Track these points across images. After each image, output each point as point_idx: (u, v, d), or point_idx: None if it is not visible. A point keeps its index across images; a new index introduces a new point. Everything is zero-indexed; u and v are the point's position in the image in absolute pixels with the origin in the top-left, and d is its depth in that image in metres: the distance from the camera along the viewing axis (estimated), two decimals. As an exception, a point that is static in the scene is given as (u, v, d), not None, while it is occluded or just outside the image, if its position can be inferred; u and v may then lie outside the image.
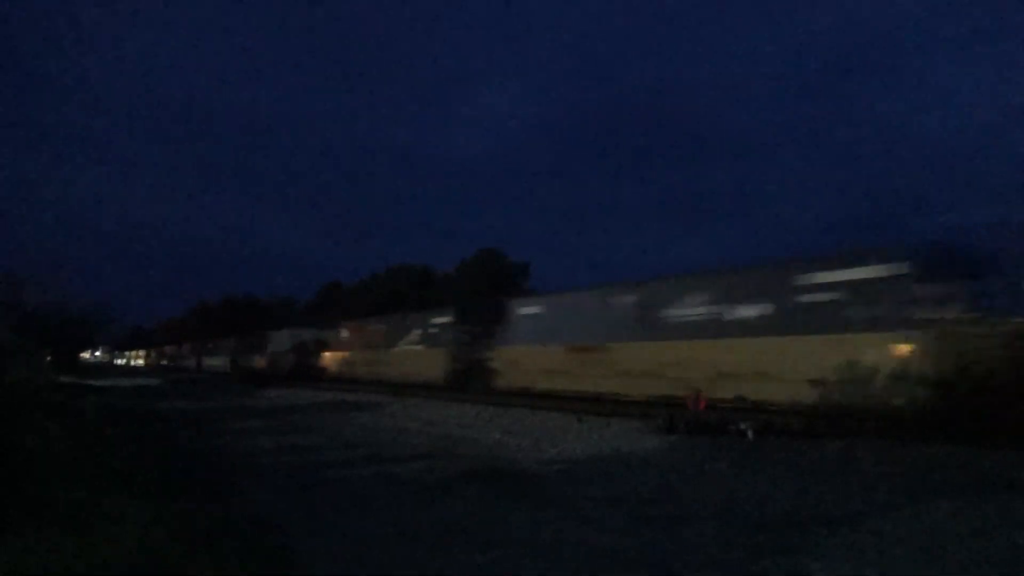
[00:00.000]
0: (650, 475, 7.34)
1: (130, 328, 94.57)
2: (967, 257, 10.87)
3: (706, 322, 13.71)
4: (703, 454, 8.29)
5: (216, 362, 50.85)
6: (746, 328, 12.93)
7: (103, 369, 56.55)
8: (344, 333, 32.23)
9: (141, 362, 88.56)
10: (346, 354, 30.95)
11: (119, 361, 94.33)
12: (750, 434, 9.50)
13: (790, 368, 11.67)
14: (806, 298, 12.07)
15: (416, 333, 25.19)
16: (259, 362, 40.06)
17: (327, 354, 33.19)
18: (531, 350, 18.64)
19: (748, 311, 13.06)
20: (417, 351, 24.76)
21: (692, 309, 14.17)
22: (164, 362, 73.90)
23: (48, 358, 26.24)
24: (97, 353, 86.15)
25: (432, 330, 24.16)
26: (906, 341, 10.35)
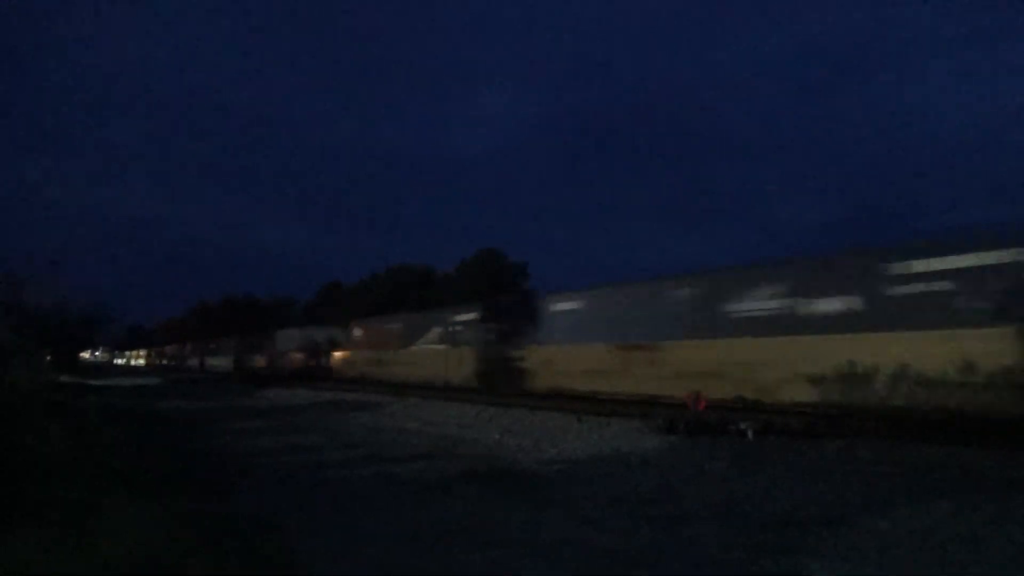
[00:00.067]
0: (650, 475, 7.34)
1: (130, 328, 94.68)
2: None
3: (780, 317, 12.45)
4: (703, 454, 8.29)
5: (220, 362, 49.90)
6: (830, 324, 11.64)
7: (103, 369, 56.57)
8: (357, 332, 30.97)
9: (142, 362, 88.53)
10: (359, 353, 29.75)
11: (119, 361, 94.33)
12: (750, 434, 9.49)
13: (885, 368, 10.50)
14: (903, 289, 10.79)
15: (437, 331, 23.86)
16: (264, 362, 39.31)
17: (338, 354, 32.16)
18: (569, 349, 17.29)
19: (832, 304, 11.76)
20: (438, 350, 23.43)
21: (763, 303, 12.86)
22: (164, 362, 73.80)
23: (48, 358, 26.22)
24: (97, 353, 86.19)
25: (455, 328, 22.82)
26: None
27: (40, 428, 7.71)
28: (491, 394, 17.94)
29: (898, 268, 11.03)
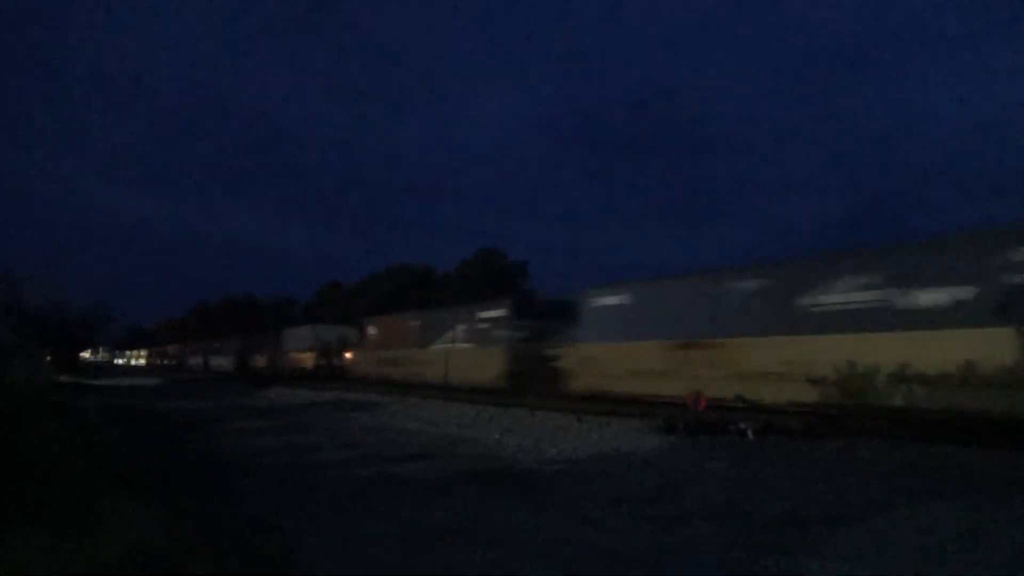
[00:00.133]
0: (650, 475, 7.34)
1: (130, 328, 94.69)
2: None
3: (880, 311, 10.93)
4: (703, 454, 8.29)
5: (224, 362, 48.88)
6: (943, 318, 10.16)
7: (103, 369, 56.57)
8: (371, 330, 29.25)
9: (142, 362, 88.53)
10: (374, 353, 28.08)
11: (119, 361, 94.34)
12: (750, 434, 9.49)
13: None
14: None
15: (461, 329, 22.42)
16: (271, 362, 38.37)
17: (352, 353, 30.70)
18: (615, 347, 15.73)
19: (942, 296, 10.28)
20: (462, 350, 22.11)
21: (854, 294, 11.34)
22: (164, 362, 73.70)
23: (48, 358, 26.23)
24: (97, 354, 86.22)
25: (481, 326, 21.31)
26: None
27: (40, 428, 7.71)
28: (521, 396, 16.76)
29: None
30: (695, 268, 15.32)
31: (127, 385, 30.47)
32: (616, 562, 4.38)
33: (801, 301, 12.15)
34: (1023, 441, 8.16)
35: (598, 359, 16.14)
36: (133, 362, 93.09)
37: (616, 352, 15.72)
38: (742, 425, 9.80)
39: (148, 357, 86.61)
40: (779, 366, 12.11)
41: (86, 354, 64.43)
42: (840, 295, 11.63)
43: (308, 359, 33.32)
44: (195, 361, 57.85)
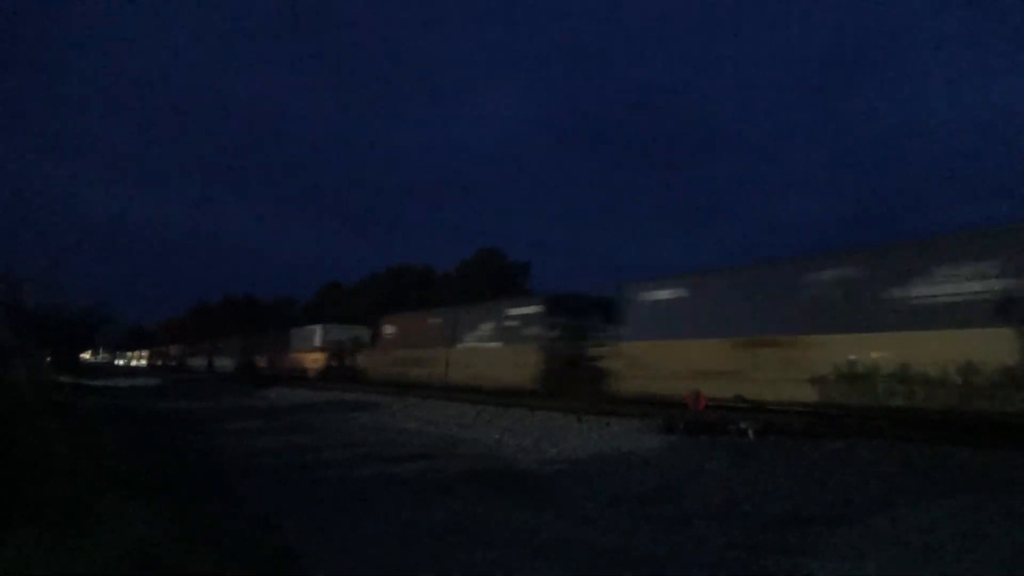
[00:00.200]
0: (650, 475, 7.33)
1: (130, 328, 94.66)
2: None
3: (1004, 302, 9.51)
4: (703, 454, 8.29)
5: (228, 362, 47.63)
6: None
7: (104, 370, 56.54)
8: (388, 329, 27.54)
9: (144, 362, 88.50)
10: (392, 353, 26.44)
11: (119, 362, 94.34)
12: (751, 433, 9.48)
13: None
14: None
15: (488, 327, 21.06)
16: (278, 362, 37.05)
17: (367, 353, 29.11)
18: (668, 345, 14.31)
19: None
20: (490, 349, 20.72)
21: (971, 284, 9.90)
22: (165, 362, 73.58)
23: (48, 359, 26.22)
24: (98, 354, 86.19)
25: (511, 323, 19.95)
26: None
27: (40, 428, 7.71)
28: (557, 399, 15.63)
29: None
30: (765, 257, 13.89)
31: (128, 386, 30.47)
32: (616, 562, 4.38)
33: (900, 292, 10.68)
34: (1023, 441, 8.15)
35: (647, 359, 14.71)
36: (134, 363, 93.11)
37: (669, 351, 14.27)
38: (742, 425, 9.79)
39: (149, 358, 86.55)
40: (872, 367, 10.67)
41: (86, 355, 64.35)
42: (953, 284, 10.13)
43: (318, 360, 32.09)
44: (198, 362, 57.16)
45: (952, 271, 10.23)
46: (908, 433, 9.13)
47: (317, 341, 32.86)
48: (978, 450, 7.75)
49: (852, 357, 11.03)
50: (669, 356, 14.20)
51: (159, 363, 76.41)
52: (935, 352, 10.01)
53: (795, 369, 11.76)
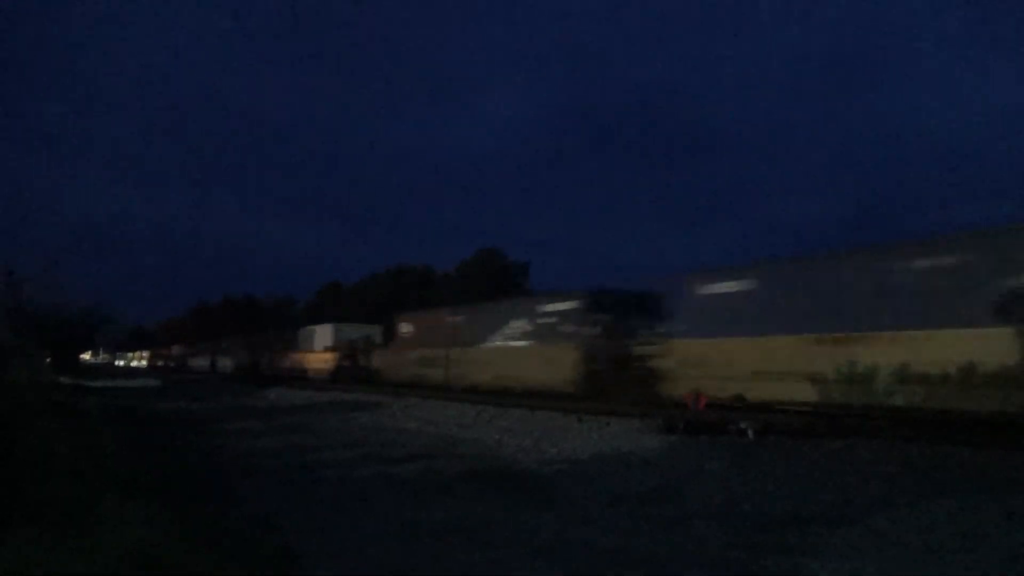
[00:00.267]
0: (650, 475, 7.34)
1: (130, 329, 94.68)
2: None
3: None
4: (703, 454, 8.29)
5: (232, 362, 46.59)
6: None
7: (104, 370, 56.53)
8: (405, 327, 26.18)
9: (143, 363, 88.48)
10: (409, 353, 25.10)
11: (119, 363, 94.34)
12: (750, 433, 9.49)
13: None
14: None
15: (517, 325, 19.78)
16: (286, 363, 36.02)
17: (380, 353, 27.97)
18: (733, 343, 13.03)
19: None
20: (521, 349, 19.44)
21: None
22: (166, 363, 73.41)
23: (48, 359, 26.22)
24: (98, 355, 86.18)
25: (545, 321, 18.66)
26: None
27: (40, 429, 7.71)
28: (599, 402, 14.57)
29: None
30: (854, 244, 12.27)
31: (128, 386, 30.48)
32: (616, 562, 4.38)
33: None
34: (1023, 441, 8.15)
35: (707, 358, 13.33)
36: (134, 363, 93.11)
37: (735, 349, 12.91)
38: (742, 425, 9.80)
39: (150, 358, 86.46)
40: (998, 366, 9.27)
41: (86, 355, 64.30)
42: None
43: (328, 360, 30.96)
44: (201, 362, 56.32)
45: None
46: (908, 433, 9.14)
47: (327, 341, 31.86)
48: (978, 450, 7.76)
49: (970, 355, 9.54)
50: (732, 355, 12.92)
51: (160, 364, 76.16)
52: None
53: (895, 368, 10.45)
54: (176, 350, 71.15)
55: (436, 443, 10.42)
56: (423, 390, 20.84)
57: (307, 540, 4.93)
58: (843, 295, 11.62)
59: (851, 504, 5.75)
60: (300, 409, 17.27)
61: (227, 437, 11.81)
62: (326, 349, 31.49)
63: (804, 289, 12.29)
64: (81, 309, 32.43)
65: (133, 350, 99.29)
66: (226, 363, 48.30)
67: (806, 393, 11.58)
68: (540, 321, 18.99)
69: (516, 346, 19.78)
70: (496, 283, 38.90)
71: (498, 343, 20.55)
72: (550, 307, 18.75)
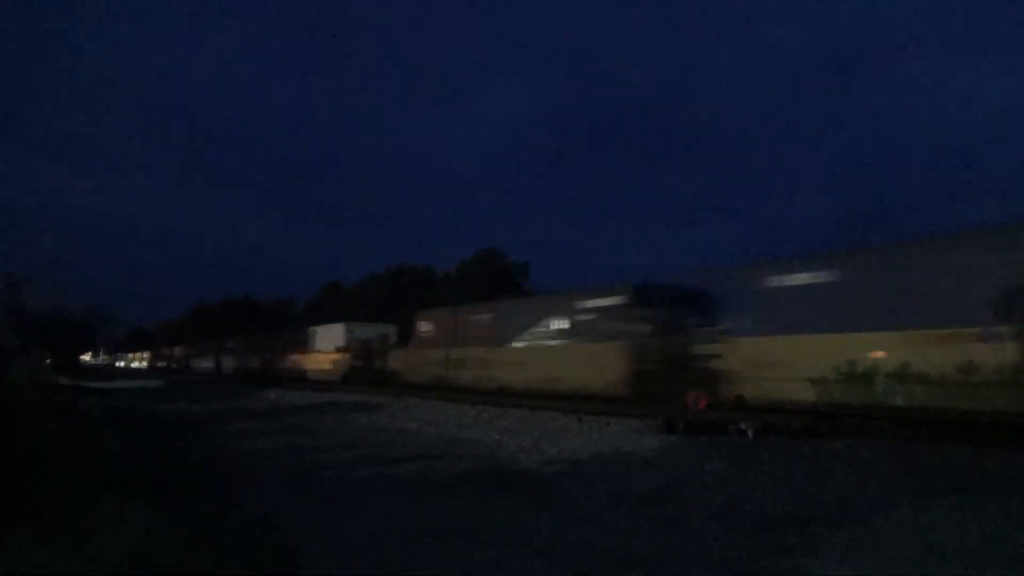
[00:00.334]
0: (650, 475, 7.33)
1: (130, 329, 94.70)
2: None
3: None
4: (703, 454, 8.29)
5: (237, 363, 45.28)
6: None
7: (104, 371, 56.50)
8: (425, 326, 24.65)
9: (144, 364, 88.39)
10: (430, 353, 23.69)
11: (119, 363, 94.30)
12: (750, 434, 9.49)
13: None
14: None
15: (553, 323, 18.45)
16: (294, 363, 34.91)
17: (398, 353, 26.36)
18: (818, 341, 11.65)
19: None
20: (557, 348, 18.11)
21: None
22: (166, 363, 73.21)
23: (47, 360, 26.22)
24: (99, 356, 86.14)
25: (585, 317, 17.30)
26: None
27: (41, 429, 7.71)
28: (649, 405, 13.44)
29: None
30: (975, 224, 10.84)
31: (128, 387, 30.47)
32: (616, 562, 4.38)
33: None
34: (1023, 441, 8.15)
35: (785, 357, 12.08)
36: (134, 364, 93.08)
37: (821, 347, 11.57)
38: (742, 425, 9.80)
39: (150, 359, 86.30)
40: None
41: (86, 356, 64.17)
42: None
43: (341, 361, 29.62)
44: (204, 363, 55.20)
45: None
46: (907, 433, 9.13)
47: (339, 341, 30.31)
48: (978, 450, 7.76)
49: None
50: (817, 353, 11.60)
51: (162, 364, 75.76)
52: None
53: None
54: (179, 351, 70.41)
55: (436, 443, 10.42)
56: (424, 391, 20.80)
57: (307, 540, 4.93)
58: (959, 285, 10.15)
59: (851, 504, 5.74)
60: (300, 410, 17.26)
61: (227, 438, 11.80)
62: (337, 349, 30.27)
63: (907, 279, 10.84)
64: (81, 310, 32.44)
65: (133, 351, 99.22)
66: (231, 364, 47.34)
67: (911, 397, 10.29)
68: (580, 318, 17.54)
69: (552, 345, 18.33)
70: (496, 283, 38.86)
71: (532, 342, 19.14)
72: (591, 302, 17.23)
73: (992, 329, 9.55)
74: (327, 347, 31.29)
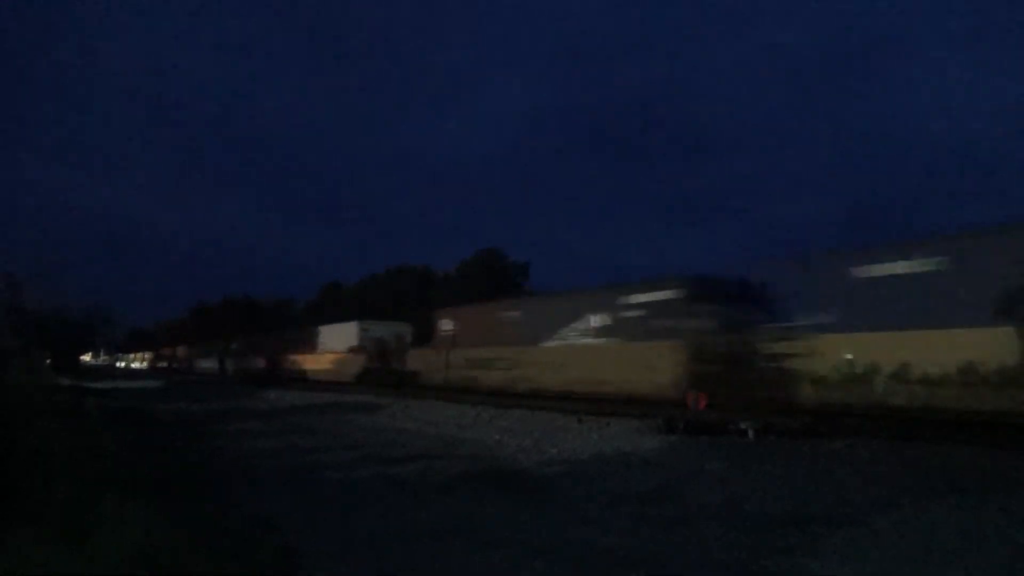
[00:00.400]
0: (651, 475, 7.33)
1: (130, 330, 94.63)
2: None
3: None
4: (703, 454, 8.29)
5: (242, 364, 44.45)
6: None
7: (104, 371, 56.48)
8: (448, 324, 23.07)
9: (144, 364, 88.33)
10: (454, 352, 22.31)
11: (120, 364, 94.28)
12: (751, 434, 9.49)
13: None
14: None
15: (595, 320, 16.91)
16: (302, 364, 34.17)
17: (416, 353, 25.09)
18: (919, 337, 10.34)
19: None
20: (600, 347, 16.50)
21: None
22: (167, 364, 73.05)
23: (47, 361, 26.20)
24: (99, 356, 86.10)
25: (631, 314, 15.81)
26: None
27: (41, 430, 7.70)
28: (715, 409, 12.65)
29: None
30: None
31: (128, 388, 30.46)
32: (616, 562, 4.38)
33: None
34: (1023, 441, 8.15)
35: (875, 357, 10.88)
36: (135, 365, 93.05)
37: (921, 345, 10.31)
38: (742, 425, 9.80)
39: (151, 360, 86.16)
40: None
41: (87, 357, 64.09)
42: None
43: (355, 361, 28.33)
44: (207, 364, 54.40)
45: None
46: (907, 434, 9.13)
47: (352, 340, 28.87)
48: (978, 450, 7.76)
49: None
50: (916, 352, 10.37)
51: (163, 365, 75.45)
52: None
53: None
54: (181, 351, 69.86)
55: (436, 444, 10.42)
56: (423, 391, 20.78)
57: (307, 540, 4.93)
58: None
59: (851, 504, 5.74)
60: (300, 410, 17.27)
61: (227, 438, 11.80)
62: (350, 349, 28.96)
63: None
64: (81, 310, 32.42)
65: (133, 351, 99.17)
66: (235, 365, 46.75)
67: None
68: (625, 314, 16.01)
69: (594, 344, 16.76)
70: (496, 283, 38.86)
71: (570, 340, 17.64)
72: (638, 297, 15.74)
73: None
74: (338, 347, 30.17)
